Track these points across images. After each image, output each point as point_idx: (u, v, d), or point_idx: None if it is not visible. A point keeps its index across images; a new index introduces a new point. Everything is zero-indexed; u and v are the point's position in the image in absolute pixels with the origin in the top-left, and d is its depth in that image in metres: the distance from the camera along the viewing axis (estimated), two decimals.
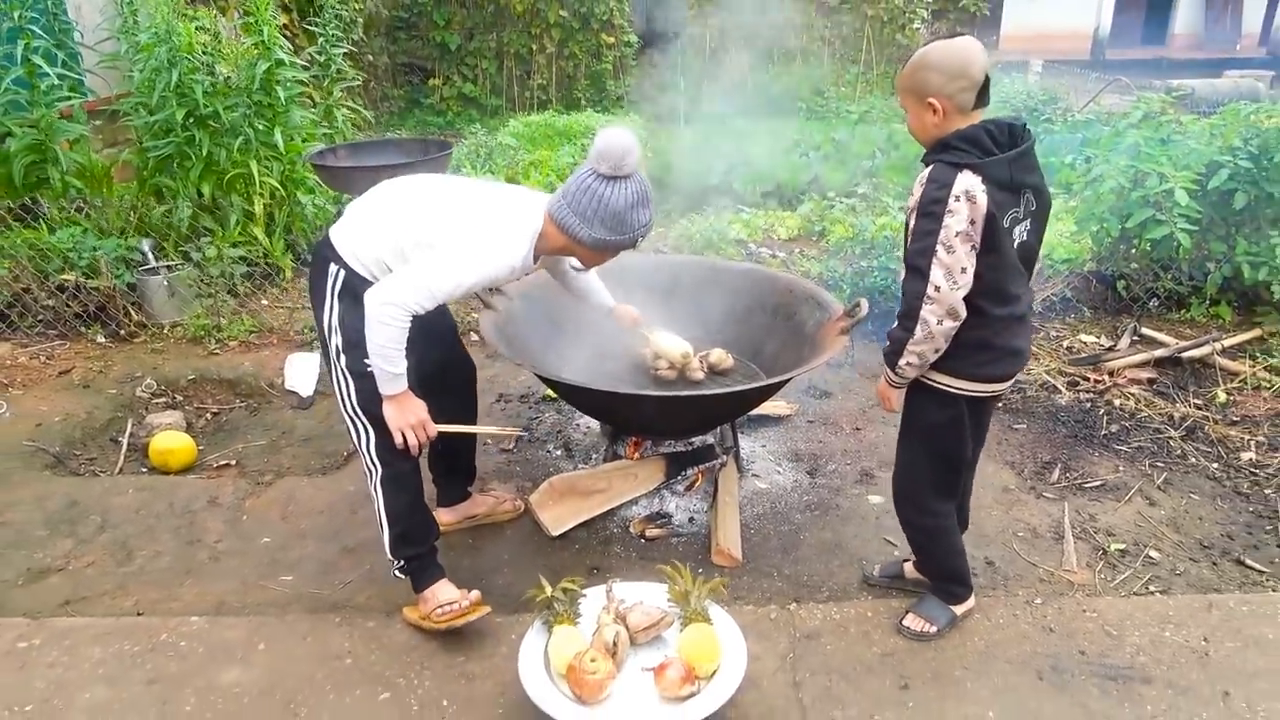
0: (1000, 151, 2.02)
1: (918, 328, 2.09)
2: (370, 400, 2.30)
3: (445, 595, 2.48)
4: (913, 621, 2.49)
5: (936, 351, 2.14)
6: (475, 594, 2.48)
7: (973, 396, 2.25)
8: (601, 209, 2.19)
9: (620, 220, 2.21)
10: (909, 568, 2.70)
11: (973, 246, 2.02)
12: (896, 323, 2.16)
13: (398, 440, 2.30)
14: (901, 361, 2.17)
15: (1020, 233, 2.12)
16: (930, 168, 2.06)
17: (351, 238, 2.29)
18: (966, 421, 2.29)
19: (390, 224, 2.27)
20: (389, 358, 2.18)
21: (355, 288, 2.26)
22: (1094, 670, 2.36)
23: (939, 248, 2.01)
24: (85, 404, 3.86)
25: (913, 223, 2.08)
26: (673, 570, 2.29)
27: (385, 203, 2.34)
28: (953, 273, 2.03)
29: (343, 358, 2.31)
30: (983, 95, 2.03)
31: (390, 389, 2.24)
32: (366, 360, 2.23)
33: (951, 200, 1.99)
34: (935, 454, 2.35)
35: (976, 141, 2.01)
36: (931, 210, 2.01)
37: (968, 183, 1.99)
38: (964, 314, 2.07)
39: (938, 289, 2.04)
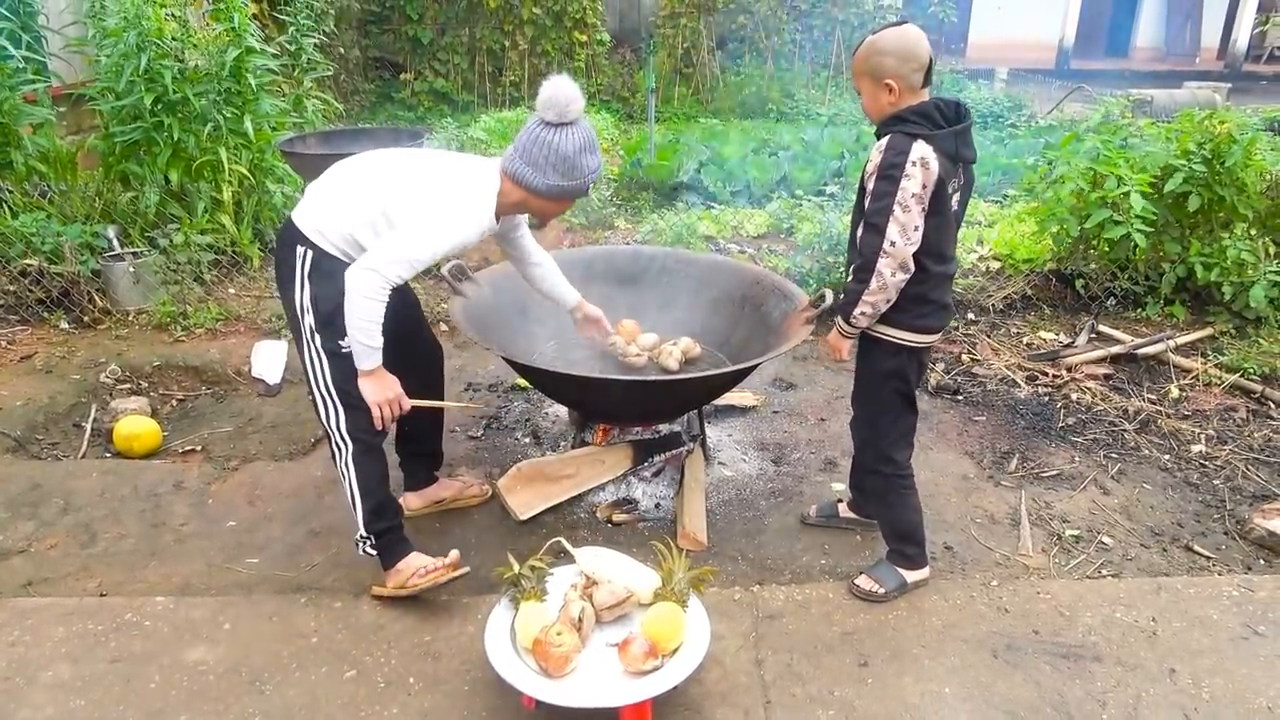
0: (948, 126, 2.23)
1: (873, 279, 2.26)
2: (343, 378, 2.36)
3: (420, 561, 2.52)
4: (864, 581, 2.62)
5: (888, 302, 2.31)
6: (454, 554, 2.53)
7: (913, 346, 2.43)
8: (553, 155, 2.26)
9: (571, 165, 2.28)
10: (843, 507, 2.95)
11: (923, 209, 2.21)
12: (851, 277, 2.32)
13: (375, 415, 2.37)
14: (856, 311, 2.33)
15: (954, 201, 2.31)
16: (888, 137, 2.22)
17: (316, 217, 2.32)
18: (912, 368, 2.48)
19: (355, 199, 2.31)
20: (369, 332, 2.24)
21: (324, 266, 2.29)
22: (1047, 649, 2.43)
23: (895, 207, 2.19)
24: (48, 389, 3.81)
25: (871, 185, 2.24)
26: (664, 548, 2.32)
27: (346, 180, 2.38)
28: (906, 230, 2.21)
29: (317, 338, 2.34)
30: (928, 76, 2.23)
31: (367, 364, 2.31)
32: (342, 341, 2.30)
33: (908, 165, 2.17)
34: (890, 397, 2.52)
35: (928, 116, 2.22)
36: (890, 174, 2.19)
37: (922, 151, 2.18)
38: (912, 268, 2.27)
39: (893, 244, 2.22)
